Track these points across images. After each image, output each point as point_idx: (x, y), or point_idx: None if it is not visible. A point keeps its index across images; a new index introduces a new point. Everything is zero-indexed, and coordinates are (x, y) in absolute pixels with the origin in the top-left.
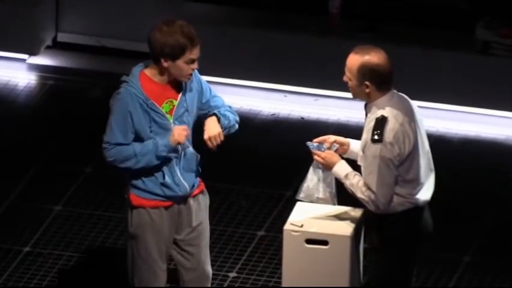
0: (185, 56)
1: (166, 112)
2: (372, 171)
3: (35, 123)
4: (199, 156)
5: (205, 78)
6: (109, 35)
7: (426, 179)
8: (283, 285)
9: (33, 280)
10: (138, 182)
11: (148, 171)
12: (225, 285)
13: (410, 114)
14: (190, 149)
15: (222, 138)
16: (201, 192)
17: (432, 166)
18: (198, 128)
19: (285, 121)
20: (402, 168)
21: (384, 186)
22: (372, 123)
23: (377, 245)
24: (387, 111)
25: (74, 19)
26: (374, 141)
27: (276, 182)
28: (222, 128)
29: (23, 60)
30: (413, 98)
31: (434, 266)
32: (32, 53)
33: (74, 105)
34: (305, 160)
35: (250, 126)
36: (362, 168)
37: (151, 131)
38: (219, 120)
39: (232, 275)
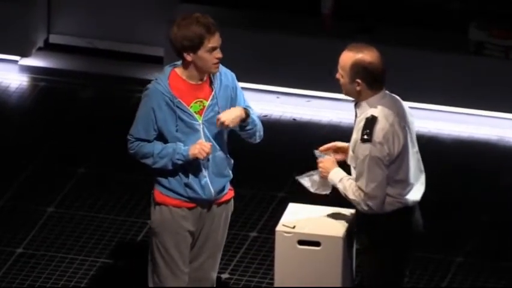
0: (204, 45)
1: (195, 112)
2: (363, 171)
3: (27, 125)
4: (232, 161)
5: None
6: (100, 36)
7: (416, 180)
8: (275, 286)
9: (26, 281)
10: (163, 179)
11: (174, 169)
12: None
13: (401, 115)
14: (221, 153)
15: (232, 125)
16: (228, 200)
17: (422, 167)
18: (233, 133)
19: (277, 122)
20: (391, 168)
21: (375, 185)
22: (362, 123)
23: (368, 246)
24: (377, 111)
25: (65, 21)
26: (363, 140)
27: (268, 183)
28: (245, 125)
29: (15, 61)
30: (406, 99)
31: (427, 266)
32: (24, 54)
33: (66, 107)
34: (297, 161)
35: None
36: (352, 169)
37: (177, 130)
38: (247, 116)
39: (224, 276)
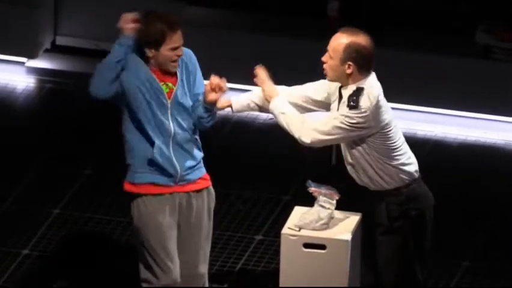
0: (166, 42)
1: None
2: (329, 122)
3: (34, 126)
4: (198, 141)
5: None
6: (107, 38)
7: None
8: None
9: (32, 282)
10: (134, 163)
11: (139, 148)
12: None
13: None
14: (186, 134)
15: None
16: (206, 188)
17: None
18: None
19: None
20: (391, 135)
21: (327, 137)
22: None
23: (388, 226)
24: (363, 83)
25: (72, 22)
26: (350, 107)
27: (274, 186)
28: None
29: (22, 63)
30: (412, 103)
31: (433, 269)
32: (31, 56)
33: (73, 108)
34: (303, 164)
35: (248, 130)
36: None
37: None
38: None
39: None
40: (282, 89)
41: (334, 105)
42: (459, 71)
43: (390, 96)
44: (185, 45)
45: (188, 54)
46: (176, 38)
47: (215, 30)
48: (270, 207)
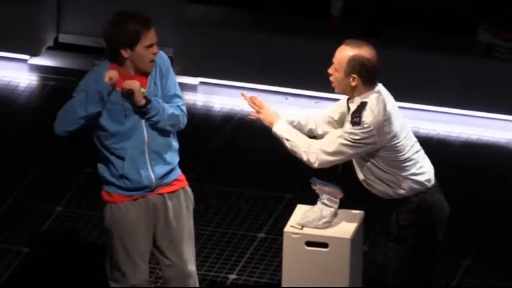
0: (141, 41)
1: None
2: (334, 140)
3: (36, 124)
4: (176, 145)
5: (204, 80)
6: None
7: (424, 160)
8: (283, 287)
9: (34, 281)
10: (105, 177)
11: (110, 163)
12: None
13: (392, 101)
14: (162, 140)
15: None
16: (182, 188)
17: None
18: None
19: None
20: (395, 147)
21: (334, 158)
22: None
23: (398, 235)
24: (368, 98)
25: (75, 20)
26: (353, 123)
27: (276, 184)
28: (144, 111)
29: (25, 60)
30: (414, 102)
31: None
32: (34, 53)
33: None
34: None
35: (251, 128)
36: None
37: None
38: (148, 102)
39: (232, 276)
40: (311, 115)
41: (346, 120)
42: (461, 70)
43: (392, 96)
44: (187, 43)
45: (161, 56)
46: (151, 36)
47: (217, 29)
48: (272, 205)
